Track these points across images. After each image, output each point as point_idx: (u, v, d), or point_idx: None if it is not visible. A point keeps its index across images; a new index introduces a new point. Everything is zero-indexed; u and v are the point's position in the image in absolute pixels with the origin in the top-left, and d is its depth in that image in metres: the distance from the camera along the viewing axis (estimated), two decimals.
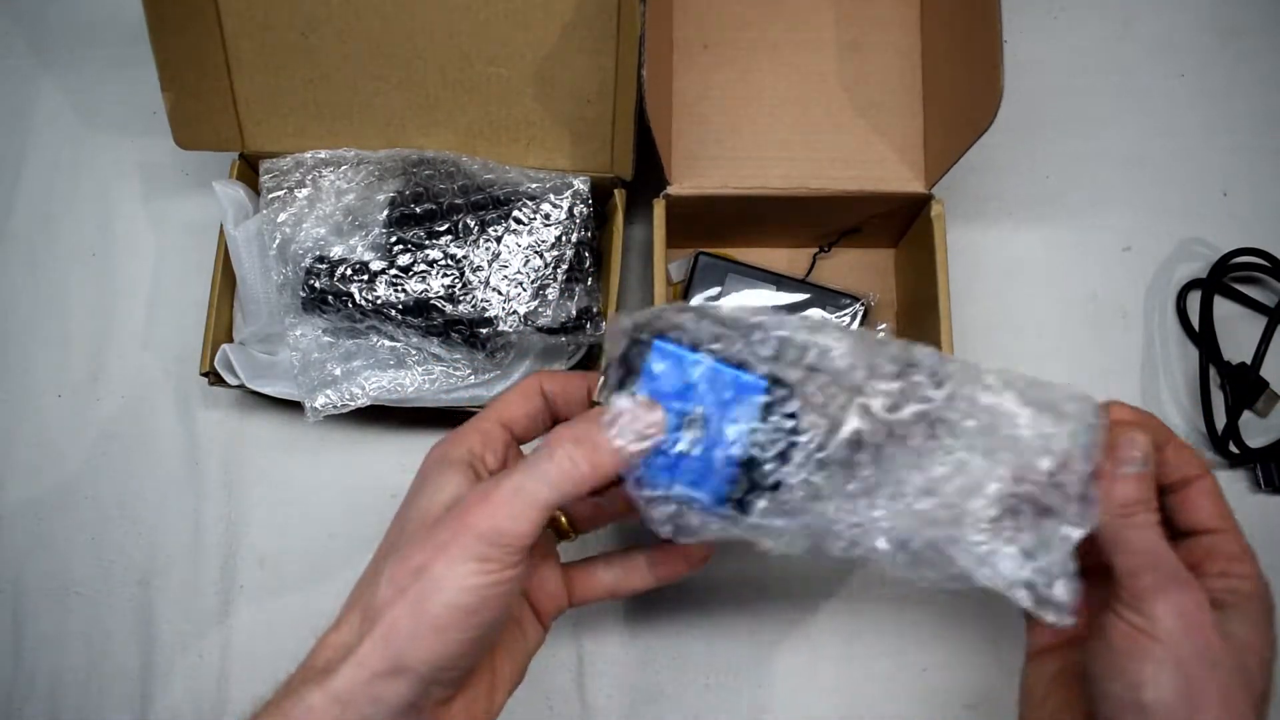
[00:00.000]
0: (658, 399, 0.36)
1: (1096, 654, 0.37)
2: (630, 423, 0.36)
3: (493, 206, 0.56)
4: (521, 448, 0.43)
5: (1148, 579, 0.35)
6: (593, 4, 0.54)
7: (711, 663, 0.59)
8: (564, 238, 0.56)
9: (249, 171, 0.61)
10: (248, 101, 0.59)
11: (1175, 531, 0.39)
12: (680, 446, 0.36)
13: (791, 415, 0.36)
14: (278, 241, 0.56)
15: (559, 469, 0.35)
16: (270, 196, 0.57)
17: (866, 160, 0.58)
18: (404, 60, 0.57)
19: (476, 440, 0.40)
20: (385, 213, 0.56)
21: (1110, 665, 0.35)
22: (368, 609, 0.36)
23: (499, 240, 0.56)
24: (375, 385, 0.56)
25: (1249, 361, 0.60)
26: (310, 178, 0.58)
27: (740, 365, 0.36)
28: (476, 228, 0.56)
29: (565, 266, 0.56)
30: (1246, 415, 0.61)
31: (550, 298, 0.55)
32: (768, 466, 0.36)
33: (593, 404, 0.39)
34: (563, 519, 0.44)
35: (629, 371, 0.37)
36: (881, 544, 0.36)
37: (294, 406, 0.58)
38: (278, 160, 0.58)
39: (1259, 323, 0.62)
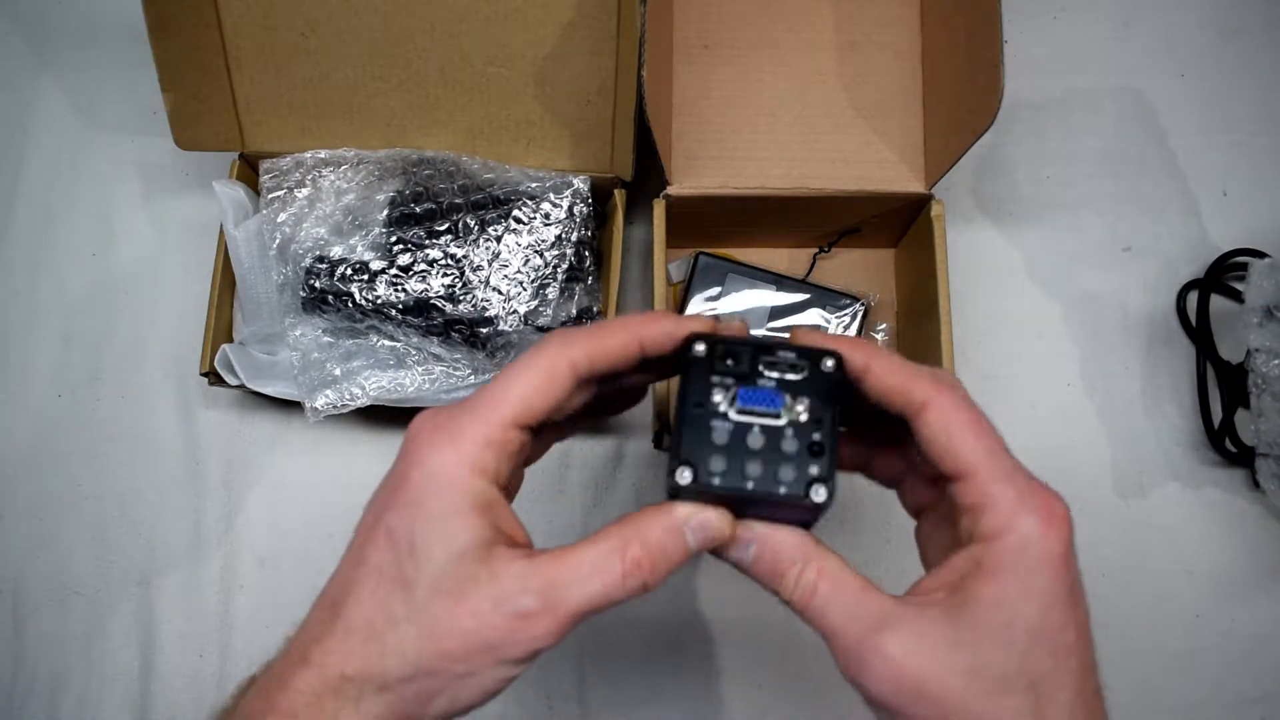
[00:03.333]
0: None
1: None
2: (704, 537, 0.32)
3: (493, 206, 0.56)
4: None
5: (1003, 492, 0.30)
6: (593, 4, 0.54)
7: (712, 662, 0.59)
8: (564, 237, 0.56)
9: (249, 171, 0.61)
10: (248, 101, 0.59)
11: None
12: None
13: None
14: (278, 241, 0.56)
15: (625, 588, 0.31)
16: (270, 196, 0.57)
17: (866, 160, 0.58)
18: (404, 60, 0.57)
19: (489, 458, 0.31)
20: (385, 212, 0.56)
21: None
22: (381, 680, 0.31)
23: (499, 240, 0.56)
24: (375, 385, 0.56)
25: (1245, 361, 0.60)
26: (310, 178, 0.58)
27: None
28: (476, 227, 0.56)
29: (565, 266, 0.56)
30: (1243, 414, 0.61)
31: (550, 297, 0.55)
32: None
33: (638, 366, 0.33)
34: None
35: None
36: None
37: (294, 406, 0.58)
38: (278, 160, 0.58)
39: None
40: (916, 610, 0.31)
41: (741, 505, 0.33)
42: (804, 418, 0.32)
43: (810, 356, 0.33)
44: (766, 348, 0.33)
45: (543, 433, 0.35)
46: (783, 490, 0.32)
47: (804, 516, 0.33)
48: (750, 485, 0.32)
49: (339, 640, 0.32)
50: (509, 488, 0.33)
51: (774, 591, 0.33)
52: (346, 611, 0.32)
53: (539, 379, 0.32)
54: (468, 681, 0.31)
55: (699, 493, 0.32)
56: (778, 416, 0.32)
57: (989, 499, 0.31)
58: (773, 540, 0.33)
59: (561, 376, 0.32)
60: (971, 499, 0.31)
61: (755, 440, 0.32)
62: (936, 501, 0.36)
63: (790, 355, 0.33)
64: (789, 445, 0.32)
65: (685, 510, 0.32)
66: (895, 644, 0.30)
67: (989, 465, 0.31)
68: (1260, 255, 0.63)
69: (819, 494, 0.31)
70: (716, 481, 0.32)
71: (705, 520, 0.32)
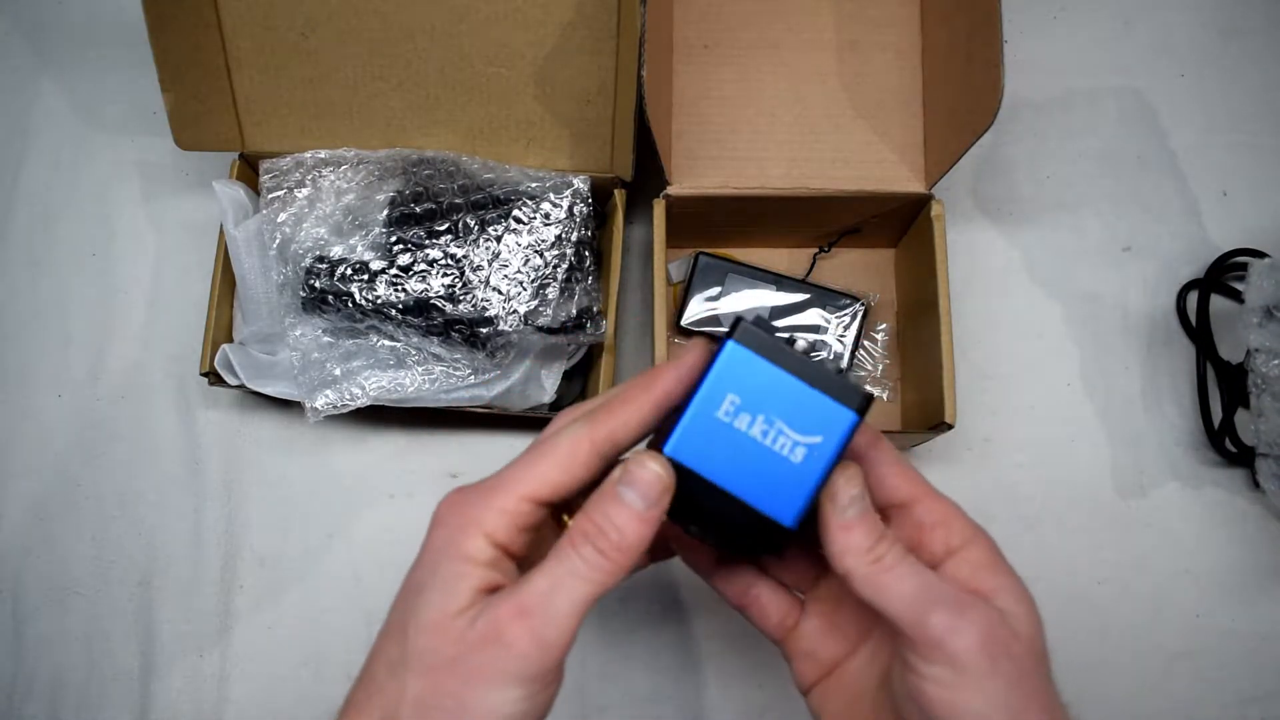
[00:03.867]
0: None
1: (907, 709, 0.34)
2: (646, 488, 0.33)
3: (493, 206, 0.56)
4: None
5: (938, 619, 0.31)
6: (593, 4, 0.54)
7: (712, 663, 0.59)
8: (564, 237, 0.56)
9: (249, 171, 0.61)
10: (248, 101, 0.59)
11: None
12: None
13: None
14: (278, 241, 0.56)
15: (588, 564, 0.32)
16: (270, 196, 0.57)
17: (866, 160, 0.58)
18: (404, 60, 0.57)
19: (500, 525, 0.33)
20: (385, 212, 0.56)
21: None
22: None
23: (499, 240, 0.56)
24: (375, 385, 0.56)
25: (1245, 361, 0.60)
26: (310, 178, 0.58)
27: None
28: (476, 227, 0.56)
29: (565, 266, 0.56)
30: (1243, 414, 0.61)
31: (550, 297, 0.55)
32: None
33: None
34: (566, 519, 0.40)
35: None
36: None
37: (294, 406, 0.58)
38: (278, 160, 0.58)
39: None
40: None
41: (708, 510, 0.34)
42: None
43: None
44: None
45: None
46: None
47: (760, 541, 0.35)
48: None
49: (350, 711, 0.33)
50: (523, 558, 0.35)
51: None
52: (357, 685, 0.34)
53: (562, 460, 0.34)
54: (472, 707, 0.31)
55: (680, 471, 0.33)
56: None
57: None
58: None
59: (582, 457, 0.34)
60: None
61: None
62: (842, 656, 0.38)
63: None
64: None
65: (614, 474, 0.33)
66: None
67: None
68: (1260, 255, 0.63)
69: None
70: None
71: (633, 475, 0.33)
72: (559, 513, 0.36)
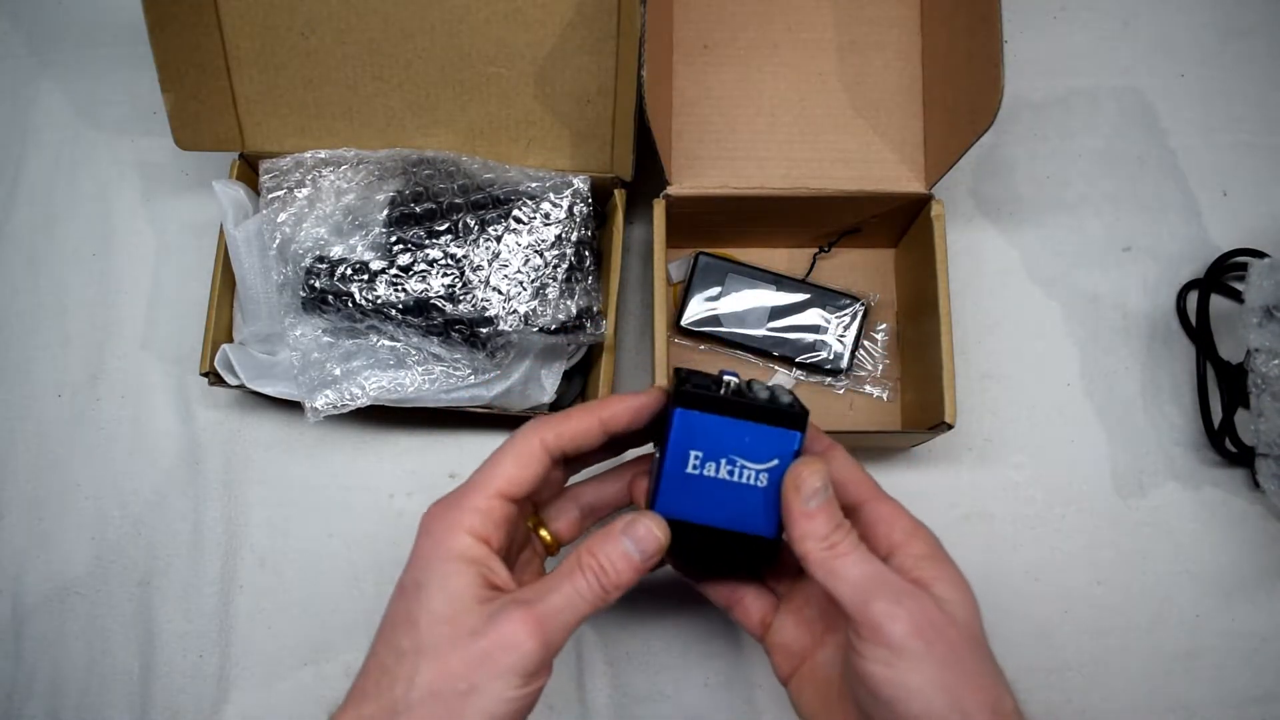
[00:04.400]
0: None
1: (859, 691, 0.38)
2: (644, 543, 0.38)
3: (493, 206, 0.56)
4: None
5: (878, 606, 0.36)
6: (593, 4, 0.54)
7: (712, 663, 0.59)
8: (564, 237, 0.56)
9: (249, 171, 0.61)
10: (248, 101, 0.59)
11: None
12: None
13: None
14: (278, 241, 0.56)
15: (591, 590, 0.38)
16: (270, 196, 0.57)
17: (866, 160, 0.58)
18: (404, 60, 0.57)
19: (477, 521, 0.38)
20: (385, 212, 0.56)
21: (876, 702, 0.36)
22: (392, 708, 0.36)
23: (499, 239, 0.56)
24: (375, 385, 0.56)
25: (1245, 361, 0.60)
26: (310, 178, 0.58)
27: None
28: (476, 227, 0.56)
29: (565, 266, 0.56)
30: (1243, 414, 0.61)
31: (550, 297, 0.55)
32: None
33: (605, 444, 0.42)
34: (546, 534, 0.45)
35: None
36: None
37: (294, 406, 0.58)
38: (278, 160, 0.58)
39: None
40: None
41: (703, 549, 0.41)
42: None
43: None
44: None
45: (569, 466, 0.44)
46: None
47: (754, 558, 0.41)
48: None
49: (355, 699, 0.37)
50: (503, 551, 0.40)
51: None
52: (362, 676, 0.38)
53: (514, 459, 0.40)
54: (473, 700, 0.35)
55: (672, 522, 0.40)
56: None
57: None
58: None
59: (535, 454, 0.40)
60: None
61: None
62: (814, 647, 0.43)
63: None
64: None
65: (619, 522, 0.39)
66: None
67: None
68: (1260, 255, 0.63)
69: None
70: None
71: (635, 530, 0.38)
72: (525, 512, 0.42)
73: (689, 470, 0.39)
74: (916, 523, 0.40)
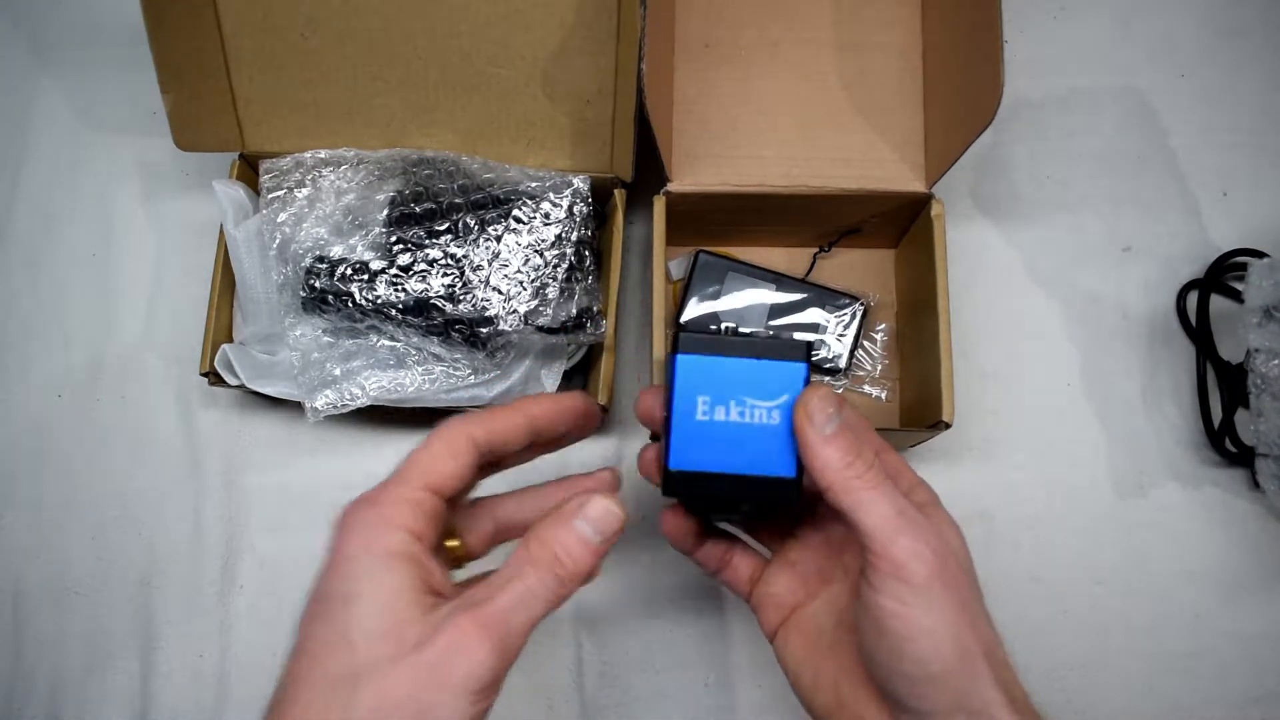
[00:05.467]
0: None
1: (865, 626, 0.37)
2: (600, 523, 0.35)
3: (493, 206, 0.56)
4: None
5: (904, 542, 0.35)
6: (593, 4, 0.54)
7: (712, 663, 0.59)
8: (564, 237, 0.56)
9: (249, 171, 0.61)
10: (248, 102, 0.59)
11: None
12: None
13: None
14: (278, 241, 0.56)
15: (545, 586, 0.34)
16: (270, 196, 0.57)
17: (866, 160, 0.58)
18: (404, 60, 0.57)
19: (409, 515, 0.34)
20: (385, 212, 0.56)
21: (881, 638, 0.35)
22: None
23: (499, 239, 0.56)
24: (375, 385, 0.56)
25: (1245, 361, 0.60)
26: (310, 178, 0.58)
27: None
28: (476, 227, 0.56)
29: (565, 266, 0.56)
30: (1243, 414, 0.61)
31: (550, 297, 0.55)
32: None
33: (529, 447, 0.40)
34: (455, 543, 0.40)
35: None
36: None
37: (294, 406, 0.58)
38: (278, 160, 0.58)
39: None
40: None
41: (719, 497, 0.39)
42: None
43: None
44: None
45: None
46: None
47: (777, 500, 0.39)
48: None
49: None
50: (434, 547, 0.36)
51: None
52: (287, 705, 0.33)
53: (445, 450, 0.36)
54: (431, 713, 0.31)
55: (685, 479, 0.38)
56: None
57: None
58: None
59: (462, 448, 0.36)
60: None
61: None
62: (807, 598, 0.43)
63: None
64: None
65: (570, 505, 0.36)
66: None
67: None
68: (1260, 255, 0.63)
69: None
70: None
71: (588, 511, 0.35)
72: (447, 516, 0.37)
73: (699, 418, 0.38)
74: (918, 476, 0.41)
